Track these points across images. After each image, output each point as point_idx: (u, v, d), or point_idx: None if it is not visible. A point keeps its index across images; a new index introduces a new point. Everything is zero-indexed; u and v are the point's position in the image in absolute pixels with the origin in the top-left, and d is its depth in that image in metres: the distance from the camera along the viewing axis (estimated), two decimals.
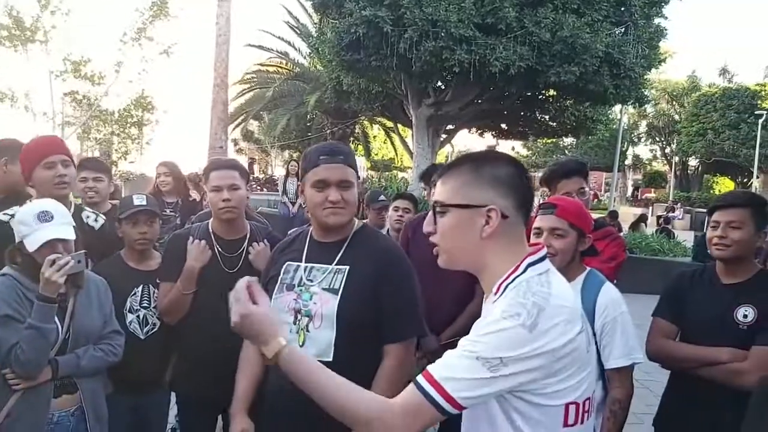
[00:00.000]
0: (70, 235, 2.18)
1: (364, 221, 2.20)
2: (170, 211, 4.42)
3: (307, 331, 1.89)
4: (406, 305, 1.94)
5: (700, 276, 2.39)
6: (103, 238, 2.81)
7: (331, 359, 1.81)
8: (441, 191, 1.36)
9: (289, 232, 3.48)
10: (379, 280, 1.91)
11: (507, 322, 1.17)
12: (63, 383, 2.18)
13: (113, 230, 2.84)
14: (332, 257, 1.96)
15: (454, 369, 1.17)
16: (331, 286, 1.91)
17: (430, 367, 1.20)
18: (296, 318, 1.92)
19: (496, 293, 1.29)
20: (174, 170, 4.90)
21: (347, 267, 1.93)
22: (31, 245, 2.10)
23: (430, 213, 1.41)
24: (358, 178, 2.03)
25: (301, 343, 1.88)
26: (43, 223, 2.11)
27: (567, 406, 1.23)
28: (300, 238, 2.11)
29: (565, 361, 1.19)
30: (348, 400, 1.22)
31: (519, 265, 1.28)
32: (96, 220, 2.85)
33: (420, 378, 1.19)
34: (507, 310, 1.19)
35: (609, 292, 2.14)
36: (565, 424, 1.24)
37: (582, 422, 1.28)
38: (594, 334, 2.08)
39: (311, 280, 1.95)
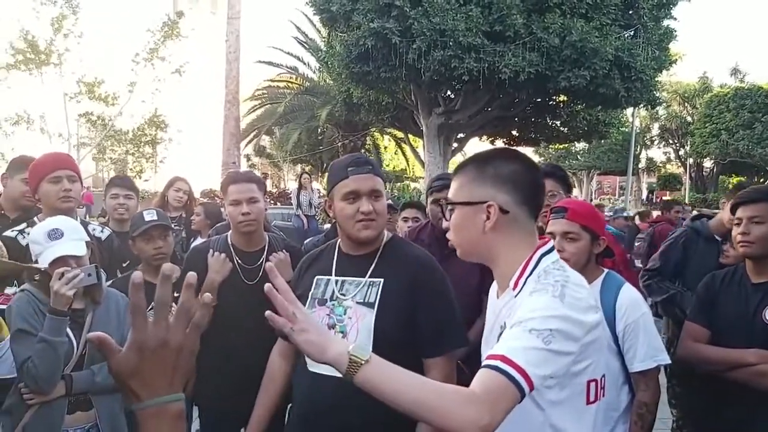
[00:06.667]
0: (80, 251, 2.19)
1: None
2: (175, 225, 4.46)
3: None
4: (445, 315, 1.86)
5: (731, 277, 2.34)
6: (110, 248, 2.91)
7: None
8: (450, 190, 1.44)
9: (305, 242, 3.49)
10: (415, 291, 1.84)
11: (539, 296, 1.24)
12: (78, 400, 2.18)
13: (119, 242, 2.94)
14: (364, 270, 1.89)
15: (518, 346, 1.16)
16: (366, 300, 1.83)
17: (495, 350, 1.18)
18: None
19: (514, 289, 1.34)
20: (189, 188, 4.96)
21: (381, 280, 1.85)
22: (43, 262, 2.13)
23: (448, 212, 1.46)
24: (385, 188, 1.97)
25: None
26: (54, 240, 2.14)
27: (588, 383, 1.32)
28: (327, 252, 2.04)
29: (592, 339, 1.25)
30: (437, 398, 1.11)
31: (531, 257, 1.35)
32: (102, 231, 2.97)
33: (492, 361, 1.15)
34: (534, 291, 1.27)
35: (629, 293, 2.09)
36: (588, 402, 1.33)
37: (600, 398, 1.38)
38: (615, 337, 2.05)
39: (344, 294, 1.87)
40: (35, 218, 2.72)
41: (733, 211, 2.31)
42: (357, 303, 1.84)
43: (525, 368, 1.12)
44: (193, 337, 0.86)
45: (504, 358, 1.14)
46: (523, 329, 1.19)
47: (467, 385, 1.15)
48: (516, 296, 1.33)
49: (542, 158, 41.30)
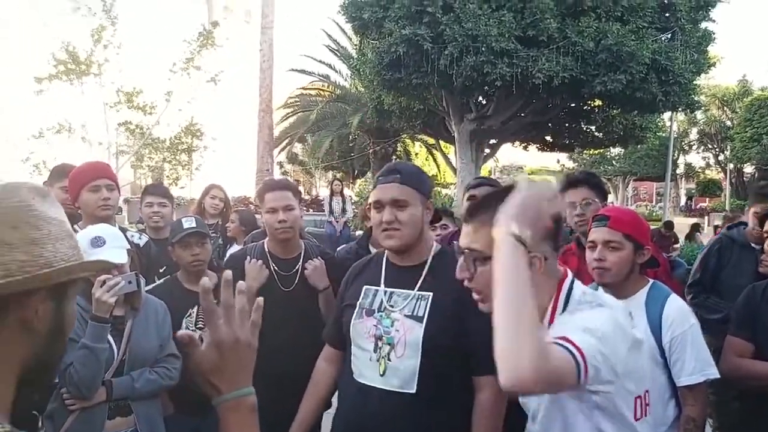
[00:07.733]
0: (122, 258, 2.22)
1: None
2: (212, 232, 4.53)
3: (389, 360, 1.81)
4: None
5: None
6: (147, 255, 2.99)
7: (414, 391, 1.75)
8: (475, 239, 1.35)
9: (338, 249, 3.50)
10: (463, 303, 1.79)
11: (581, 313, 1.25)
12: (118, 405, 2.20)
13: (157, 249, 3.02)
14: (413, 282, 1.88)
15: (576, 335, 1.17)
16: (415, 313, 1.82)
17: (552, 334, 1.20)
18: (377, 345, 1.84)
19: (550, 323, 1.33)
20: (225, 195, 5.02)
21: (430, 294, 1.84)
22: None
23: (462, 259, 1.39)
24: (428, 197, 1.95)
25: (381, 373, 1.81)
26: (96, 248, 2.17)
27: (636, 399, 1.31)
28: (375, 261, 2.05)
29: (635, 358, 1.26)
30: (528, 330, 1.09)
31: (558, 296, 1.35)
32: (140, 238, 3.06)
33: (558, 340, 1.16)
34: (574, 307, 1.29)
35: (676, 304, 2.01)
36: (635, 418, 1.32)
37: (646, 415, 1.36)
38: (662, 350, 1.97)
39: (392, 306, 1.87)
40: (75, 226, 2.78)
41: (761, 224, 2.25)
42: (405, 316, 1.83)
43: (584, 351, 1.13)
44: (255, 335, 0.98)
45: (564, 338, 1.15)
46: (576, 327, 1.19)
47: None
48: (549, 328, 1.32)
49: (576, 164, 40.67)
